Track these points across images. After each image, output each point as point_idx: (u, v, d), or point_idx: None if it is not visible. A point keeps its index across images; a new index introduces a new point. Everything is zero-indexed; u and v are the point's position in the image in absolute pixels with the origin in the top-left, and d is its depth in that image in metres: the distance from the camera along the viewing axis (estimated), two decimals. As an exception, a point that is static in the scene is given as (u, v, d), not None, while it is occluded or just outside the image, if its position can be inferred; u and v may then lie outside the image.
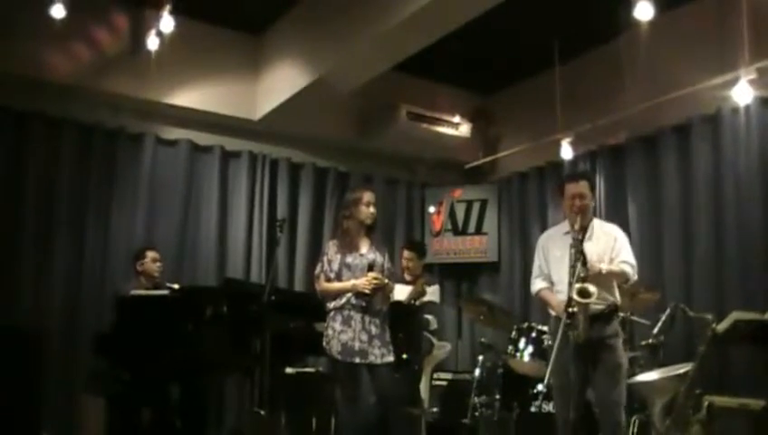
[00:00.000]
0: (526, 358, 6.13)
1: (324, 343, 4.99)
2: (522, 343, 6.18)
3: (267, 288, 5.26)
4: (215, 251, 7.67)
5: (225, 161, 7.92)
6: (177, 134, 7.70)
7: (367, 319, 4.95)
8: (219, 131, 7.89)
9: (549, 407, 5.53)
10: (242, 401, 7.02)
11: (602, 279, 4.65)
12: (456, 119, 8.41)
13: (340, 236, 5.20)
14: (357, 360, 4.88)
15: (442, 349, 7.38)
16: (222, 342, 5.26)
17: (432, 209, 9.05)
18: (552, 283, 4.92)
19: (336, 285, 5.03)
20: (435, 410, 7.27)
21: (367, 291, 4.92)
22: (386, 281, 5.03)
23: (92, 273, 7.05)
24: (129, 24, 7.01)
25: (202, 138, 7.82)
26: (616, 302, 4.82)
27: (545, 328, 6.26)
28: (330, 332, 4.97)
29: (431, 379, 7.38)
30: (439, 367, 7.59)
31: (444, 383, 7.56)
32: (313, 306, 5.39)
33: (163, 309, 5.39)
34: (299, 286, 7.97)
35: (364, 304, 4.94)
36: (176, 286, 5.89)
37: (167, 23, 6.42)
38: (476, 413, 6.43)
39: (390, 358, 5.00)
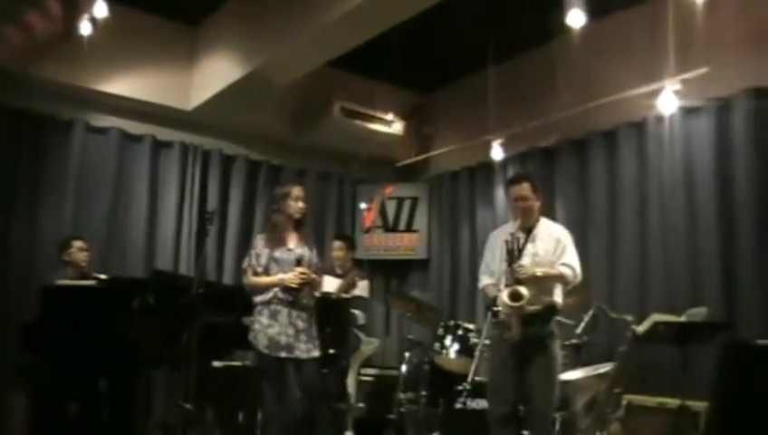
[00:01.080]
0: (452, 355, 6.20)
1: (251, 337, 5.00)
2: (448, 340, 6.25)
3: (196, 281, 5.24)
4: (143, 242, 7.58)
5: (156, 151, 7.82)
6: (108, 122, 7.58)
7: (294, 313, 4.98)
8: (151, 120, 7.79)
9: (474, 404, 5.60)
10: (169, 394, 6.95)
11: (540, 281, 4.71)
12: (390, 116, 8.46)
13: (268, 231, 5.23)
14: (283, 354, 4.90)
15: (370, 345, 7.43)
16: (149, 334, 5.22)
17: (363, 206, 9.09)
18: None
19: (264, 280, 5.04)
20: (361, 405, 7.31)
21: (294, 285, 4.95)
22: (313, 276, 5.05)
23: (19, 263, 6.88)
24: (61, 8, 6.84)
25: (133, 126, 7.71)
26: (553, 302, 4.84)
27: (472, 326, 6.36)
28: (256, 326, 4.99)
29: (358, 374, 7.42)
30: (367, 363, 7.64)
31: (371, 379, 7.60)
32: (242, 300, 5.38)
33: (90, 300, 5.32)
34: (228, 280, 7.92)
35: (291, 298, 4.97)
36: (103, 277, 5.81)
37: (100, 8, 6.34)
38: (402, 409, 6.49)
39: (316, 353, 5.04)
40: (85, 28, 6.57)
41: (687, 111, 6.25)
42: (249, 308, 5.16)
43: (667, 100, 5.98)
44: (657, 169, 6.47)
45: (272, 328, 4.93)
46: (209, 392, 6.38)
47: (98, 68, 7.12)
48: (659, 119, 6.39)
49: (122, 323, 5.17)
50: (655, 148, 6.51)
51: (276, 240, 5.13)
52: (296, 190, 5.19)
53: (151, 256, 7.61)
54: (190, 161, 8.01)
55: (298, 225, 5.21)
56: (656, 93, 6.06)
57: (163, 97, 7.61)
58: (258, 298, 5.04)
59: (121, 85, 7.33)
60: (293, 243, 5.15)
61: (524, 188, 4.94)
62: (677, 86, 5.87)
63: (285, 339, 4.92)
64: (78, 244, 6.34)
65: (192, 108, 7.70)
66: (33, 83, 6.92)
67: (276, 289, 4.99)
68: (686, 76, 5.81)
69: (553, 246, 4.88)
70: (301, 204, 5.17)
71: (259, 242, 5.18)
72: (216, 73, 7.44)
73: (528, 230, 4.89)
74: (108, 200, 7.44)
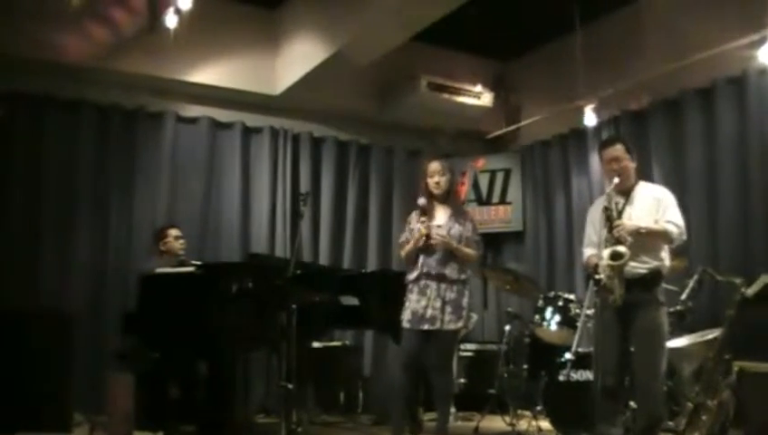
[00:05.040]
0: (553, 327, 6.09)
1: (402, 316, 5.06)
2: (548, 312, 6.14)
3: (292, 262, 5.25)
4: (238, 227, 7.70)
5: (246, 137, 7.93)
6: (198, 112, 7.71)
7: (443, 286, 5.00)
8: (239, 108, 7.89)
9: (577, 375, 5.50)
10: (269, 376, 7.05)
11: (643, 240, 4.52)
12: (478, 88, 8.32)
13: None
14: (425, 326, 4.94)
15: (469, 319, 7.37)
16: (247, 317, 5.25)
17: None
18: None
19: (407, 247, 5.12)
20: (462, 380, 7.27)
21: (424, 231, 4.97)
22: (438, 236, 5.01)
23: (117, 253, 7.10)
24: (146, 2, 6.96)
25: (222, 114, 7.83)
26: (660, 266, 4.62)
27: (572, 296, 6.23)
28: (406, 303, 5.06)
29: (458, 349, 7.38)
30: (466, 338, 7.58)
31: (471, 354, 7.55)
32: (338, 280, 5.37)
33: (188, 286, 5.39)
34: (323, 260, 7.98)
35: (434, 271, 4.98)
36: (199, 263, 5.90)
37: (184, 0, 6.39)
38: (504, 383, 6.42)
39: (455, 325, 5.00)
40: (170, 20, 6.64)
41: (791, 62, 5.95)
42: (345, 288, 5.16)
43: (768, 50, 5.73)
44: (760, 125, 6.18)
45: (418, 303, 4.98)
46: (309, 373, 6.44)
47: (184, 59, 7.24)
48: (761, 71, 6.11)
49: (220, 307, 5.21)
50: (756, 102, 6.21)
51: (426, 216, 5.16)
52: (432, 166, 5.22)
53: (247, 241, 7.72)
54: (281, 145, 8.08)
55: (445, 199, 5.22)
56: (756, 44, 5.82)
57: (250, 83, 7.68)
58: (408, 277, 5.10)
59: (208, 74, 7.44)
60: (444, 218, 5.16)
61: (617, 150, 4.76)
62: (779, 34, 5.61)
63: (431, 312, 4.94)
64: (174, 232, 6.45)
65: (279, 92, 7.75)
66: (120, 79, 7.08)
67: (422, 267, 5.02)
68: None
69: (655, 206, 4.65)
70: (436, 178, 5.16)
71: (413, 218, 5.25)
72: (299, 56, 7.45)
73: (626, 193, 4.71)
74: (201, 188, 7.58)
